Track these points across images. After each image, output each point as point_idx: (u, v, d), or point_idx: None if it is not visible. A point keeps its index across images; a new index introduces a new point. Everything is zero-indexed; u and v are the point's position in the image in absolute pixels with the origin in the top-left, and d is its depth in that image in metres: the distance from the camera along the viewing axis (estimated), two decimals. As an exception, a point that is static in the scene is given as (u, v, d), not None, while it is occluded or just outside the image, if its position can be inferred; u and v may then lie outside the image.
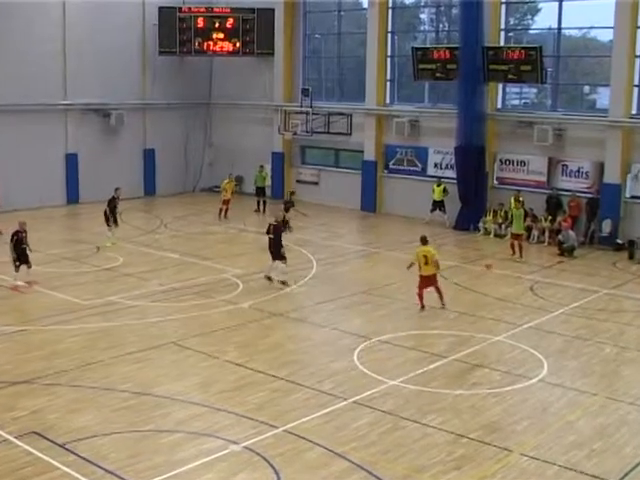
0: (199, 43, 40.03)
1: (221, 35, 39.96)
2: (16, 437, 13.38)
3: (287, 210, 30.22)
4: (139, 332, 19.26)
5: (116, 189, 29.83)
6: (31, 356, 17.49)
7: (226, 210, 34.54)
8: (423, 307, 21.36)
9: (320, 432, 13.73)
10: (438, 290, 21.50)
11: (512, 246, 27.77)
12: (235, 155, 41.73)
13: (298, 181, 40.09)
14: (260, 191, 37.03)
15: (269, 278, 23.64)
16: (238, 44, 39.98)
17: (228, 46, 40.12)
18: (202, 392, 15.57)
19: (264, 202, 36.47)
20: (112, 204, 29.26)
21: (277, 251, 23.49)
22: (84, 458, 12.68)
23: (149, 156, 40.86)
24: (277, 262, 23.53)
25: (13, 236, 22.97)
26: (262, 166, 38.11)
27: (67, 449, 12.98)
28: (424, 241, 21.68)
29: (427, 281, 21.38)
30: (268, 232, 23.66)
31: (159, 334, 19.09)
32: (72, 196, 37.92)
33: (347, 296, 22.82)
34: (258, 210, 36.37)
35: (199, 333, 19.23)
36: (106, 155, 38.93)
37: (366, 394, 15.47)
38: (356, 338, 19.01)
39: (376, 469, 12.52)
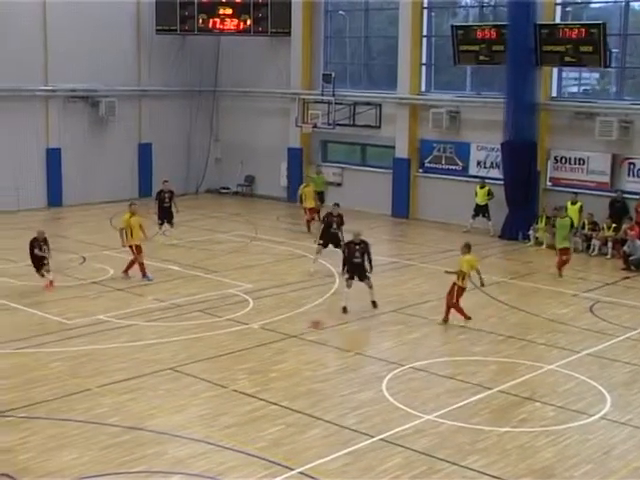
0: (203, 20, 40.14)
1: (229, 10, 40.04)
2: (-17, 481, 13.41)
3: (339, 226, 28.11)
4: (132, 356, 19.27)
5: (164, 182, 32.04)
6: (1, 384, 17.50)
7: (310, 220, 33.77)
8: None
9: (343, 475, 13.66)
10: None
11: (560, 264, 27.07)
12: (245, 151, 41.88)
13: (319, 182, 40.19)
14: (319, 196, 35.71)
15: (345, 309, 23.28)
16: (249, 21, 40.04)
17: (237, 24, 40.18)
18: (205, 427, 15.53)
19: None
20: (158, 198, 31.20)
21: (362, 272, 23.28)
22: (65, 504, 12.73)
23: (145, 152, 41.07)
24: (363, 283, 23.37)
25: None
26: (319, 167, 37.96)
27: (45, 494, 13.02)
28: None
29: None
30: (351, 254, 23.25)
31: (155, 359, 19.10)
32: (54, 198, 38.19)
33: (374, 315, 22.81)
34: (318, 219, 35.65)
35: (202, 358, 19.22)
36: (95, 150, 39.24)
37: (396, 430, 15.38)
38: (385, 365, 18.97)
39: (408, 519, 12.49)
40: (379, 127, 37.97)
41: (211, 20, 40.15)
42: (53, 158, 38.06)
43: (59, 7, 36.96)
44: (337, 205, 28.55)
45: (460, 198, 34.64)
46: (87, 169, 38.44)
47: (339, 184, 39.27)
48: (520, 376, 18.40)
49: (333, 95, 37.96)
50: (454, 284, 21.93)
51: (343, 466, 14.00)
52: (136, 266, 25.86)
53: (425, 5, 36.45)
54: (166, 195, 31.19)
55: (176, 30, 40.29)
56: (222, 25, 40.28)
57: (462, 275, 21.87)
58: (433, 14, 36.96)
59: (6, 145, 36.02)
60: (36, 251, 24.41)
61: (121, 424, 15.50)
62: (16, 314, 22.34)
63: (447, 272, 22.81)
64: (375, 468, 13.94)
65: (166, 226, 30.91)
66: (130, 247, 25.89)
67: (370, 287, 23.23)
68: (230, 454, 14.36)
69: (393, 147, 37.43)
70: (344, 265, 23.71)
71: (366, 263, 23.31)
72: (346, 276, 23.37)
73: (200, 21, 40.07)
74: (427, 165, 36.79)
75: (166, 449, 14.60)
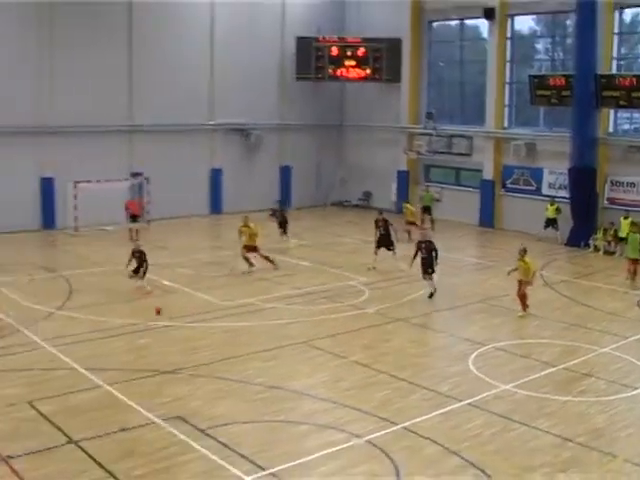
0: (332, 70, 40.42)
1: (353, 63, 40.24)
2: (163, 420, 13.89)
3: (386, 228, 27.53)
4: (273, 332, 19.59)
5: (276, 201, 33.14)
6: (176, 349, 18.05)
7: (409, 232, 31.87)
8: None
9: (436, 430, 13.73)
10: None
11: (630, 271, 25.70)
12: (365, 173, 42.04)
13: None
14: (426, 209, 35.39)
15: (431, 295, 23.24)
16: (368, 71, 40.18)
17: (359, 73, 40.37)
18: (329, 389, 15.74)
19: (431, 220, 35.11)
20: (274, 214, 31.67)
21: (429, 267, 23.10)
22: (222, 443, 13.05)
23: (285, 173, 41.47)
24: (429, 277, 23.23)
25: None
26: (428, 186, 37.69)
27: (207, 434, 13.37)
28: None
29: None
30: (421, 252, 23.21)
31: (291, 334, 19.36)
32: (216, 207, 38.91)
33: (464, 305, 22.70)
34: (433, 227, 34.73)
35: (328, 335, 19.38)
36: (247, 170, 39.80)
37: (480, 397, 15.37)
38: (471, 344, 18.89)
39: (487, 467, 12.44)
40: (470, 155, 37.59)
41: (338, 70, 40.41)
42: (216, 176, 38.75)
43: (222, 60, 37.77)
44: (380, 212, 28.29)
45: (534, 212, 34.06)
46: (240, 185, 39.02)
47: (438, 200, 38.97)
48: (580, 356, 18.11)
49: (434, 129, 37.78)
50: (521, 281, 21.61)
51: (437, 423, 14.08)
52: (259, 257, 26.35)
53: (508, 59, 36.09)
54: (277, 213, 31.44)
55: (311, 78, 40.65)
56: (347, 73, 40.47)
57: (532, 273, 21.57)
58: (514, 66, 36.46)
59: (181, 166, 36.74)
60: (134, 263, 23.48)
61: (264, 384, 15.83)
62: (186, 297, 22.90)
63: (510, 272, 22.44)
64: (462, 426, 13.98)
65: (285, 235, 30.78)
66: (243, 247, 26.26)
67: (431, 280, 23.05)
68: (348, 411, 14.54)
69: (481, 171, 37.04)
70: (413, 259, 23.62)
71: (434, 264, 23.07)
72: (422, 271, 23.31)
73: (330, 70, 40.41)
74: (508, 185, 36.27)
75: (299, 405, 14.90)
